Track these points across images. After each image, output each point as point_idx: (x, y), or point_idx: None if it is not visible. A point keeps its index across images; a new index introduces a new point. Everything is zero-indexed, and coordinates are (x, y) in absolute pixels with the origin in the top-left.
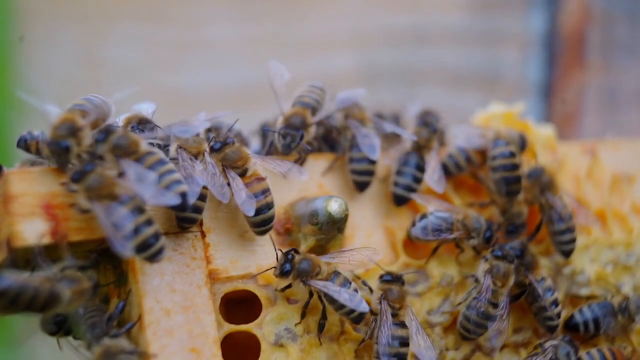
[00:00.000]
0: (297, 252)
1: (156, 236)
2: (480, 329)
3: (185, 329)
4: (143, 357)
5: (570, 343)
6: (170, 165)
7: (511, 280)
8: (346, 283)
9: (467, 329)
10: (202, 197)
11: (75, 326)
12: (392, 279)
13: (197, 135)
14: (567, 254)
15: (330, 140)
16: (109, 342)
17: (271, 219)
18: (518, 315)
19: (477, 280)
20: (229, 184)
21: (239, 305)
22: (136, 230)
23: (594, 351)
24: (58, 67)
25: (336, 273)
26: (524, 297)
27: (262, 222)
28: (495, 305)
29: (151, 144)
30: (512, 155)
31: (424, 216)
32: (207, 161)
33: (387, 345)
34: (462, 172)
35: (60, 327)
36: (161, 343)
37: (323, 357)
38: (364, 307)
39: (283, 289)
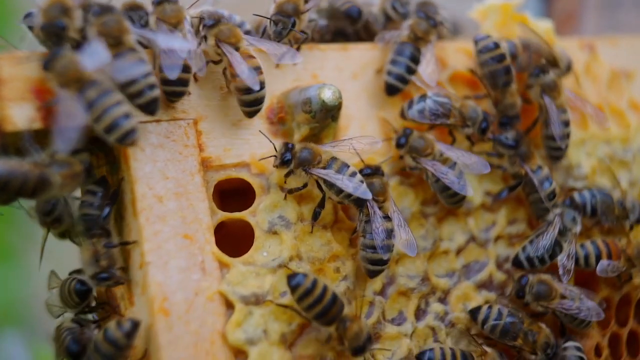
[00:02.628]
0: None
1: (126, 116)
2: None
3: (178, 216)
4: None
5: (572, 205)
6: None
7: None
8: (344, 167)
9: None
10: (186, 69)
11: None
12: (372, 172)
13: (175, 3)
14: (556, 159)
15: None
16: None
17: (262, 99)
18: (512, 207)
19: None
20: (220, 61)
21: (233, 197)
22: (103, 113)
23: (588, 244)
24: None
25: (333, 158)
26: (522, 188)
27: (254, 101)
28: None
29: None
30: (497, 46)
31: (422, 98)
32: (187, 30)
33: (384, 239)
34: None
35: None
36: (154, 229)
37: (317, 245)
38: (363, 192)
39: (287, 175)
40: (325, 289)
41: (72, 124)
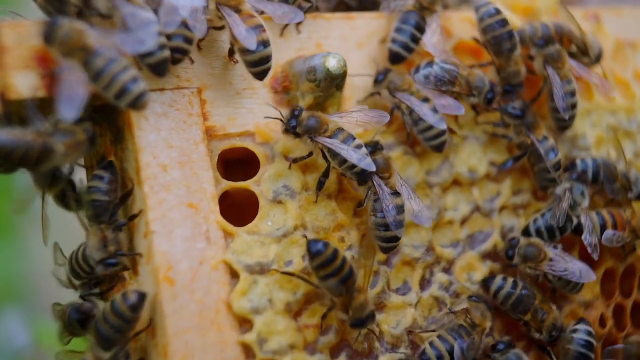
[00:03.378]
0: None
1: (134, 80)
2: None
3: (182, 185)
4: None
5: (580, 180)
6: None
7: None
8: (350, 138)
9: None
10: (188, 27)
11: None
12: (373, 149)
13: None
14: (563, 129)
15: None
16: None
17: (268, 58)
18: (517, 177)
19: None
20: (222, 27)
21: (237, 167)
22: (112, 80)
23: (592, 214)
24: None
25: (340, 129)
26: (527, 158)
27: (259, 61)
28: None
29: None
30: (498, 12)
31: (429, 64)
32: None
33: (395, 215)
34: None
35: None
36: (158, 198)
37: (322, 214)
38: (367, 164)
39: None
40: (344, 260)
41: (76, 92)
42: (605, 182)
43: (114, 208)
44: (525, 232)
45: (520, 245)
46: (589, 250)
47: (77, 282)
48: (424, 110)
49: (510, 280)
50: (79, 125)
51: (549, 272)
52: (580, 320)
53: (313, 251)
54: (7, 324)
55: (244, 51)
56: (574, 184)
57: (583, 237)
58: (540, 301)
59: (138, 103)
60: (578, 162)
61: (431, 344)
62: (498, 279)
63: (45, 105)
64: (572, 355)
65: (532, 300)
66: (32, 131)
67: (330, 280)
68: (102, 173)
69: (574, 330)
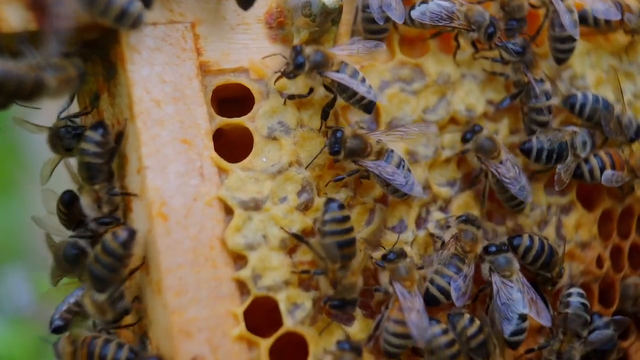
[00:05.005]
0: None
1: (130, 1)
2: None
3: (176, 120)
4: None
5: (589, 133)
6: None
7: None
8: (356, 73)
9: None
10: None
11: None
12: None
13: None
14: (561, 61)
15: None
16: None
17: None
18: (515, 117)
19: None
20: None
21: (231, 107)
22: (109, 4)
23: (591, 157)
24: None
25: (344, 63)
26: (520, 98)
27: None
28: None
29: None
30: None
31: (424, 1)
32: None
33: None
34: None
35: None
36: (152, 133)
37: (317, 150)
38: (375, 95)
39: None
40: (352, 229)
41: (67, 24)
42: (603, 117)
43: (108, 164)
44: (526, 147)
45: (479, 135)
46: (555, 178)
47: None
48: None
49: (536, 240)
50: (70, 61)
51: (492, 171)
52: (571, 285)
53: (329, 205)
54: (8, 281)
55: None
56: (580, 131)
57: (558, 167)
58: (560, 257)
59: (138, 23)
60: (579, 94)
61: (432, 281)
62: (525, 239)
63: (37, 39)
64: (570, 318)
65: (557, 258)
66: (25, 64)
67: (332, 237)
68: (93, 135)
69: (568, 295)
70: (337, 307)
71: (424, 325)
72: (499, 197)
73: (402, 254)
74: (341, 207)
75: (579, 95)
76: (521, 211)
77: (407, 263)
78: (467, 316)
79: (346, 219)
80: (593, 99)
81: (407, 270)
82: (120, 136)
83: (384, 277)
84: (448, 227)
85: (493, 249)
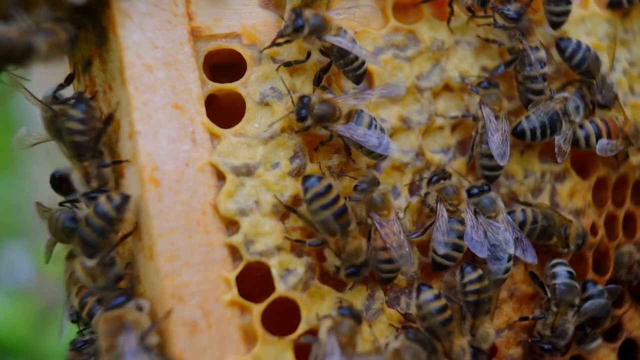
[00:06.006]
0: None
1: None
2: None
3: (168, 85)
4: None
5: (580, 96)
6: None
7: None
8: (354, 40)
9: None
10: None
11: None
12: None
13: None
14: (556, 25)
15: None
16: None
17: None
18: (509, 84)
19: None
20: None
21: (224, 72)
22: None
23: (587, 123)
24: None
25: (343, 30)
26: (514, 66)
27: None
28: None
29: None
30: None
31: None
32: None
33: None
34: None
35: None
36: (143, 98)
37: None
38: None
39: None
40: (338, 196)
41: None
42: (592, 71)
43: (95, 140)
44: (516, 132)
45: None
46: (556, 151)
47: None
48: None
49: (529, 213)
50: (60, 25)
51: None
52: (553, 256)
53: (306, 185)
54: (9, 255)
55: None
56: (572, 97)
57: (557, 138)
58: (559, 220)
59: None
60: (573, 39)
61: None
62: (518, 213)
63: (27, 3)
64: (559, 288)
65: (553, 224)
66: (16, 29)
67: (323, 212)
68: (76, 113)
69: (553, 266)
70: (353, 274)
71: (405, 249)
72: None
73: (374, 183)
74: (319, 179)
75: (573, 40)
76: None
77: (381, 191)
78: (479, 271)
79: (329, 188)
80: (585, 47)
81: (382, 199)
82: (109, 119)
83: (360, 210)
84: (427, 194)
85: (475, 190)
